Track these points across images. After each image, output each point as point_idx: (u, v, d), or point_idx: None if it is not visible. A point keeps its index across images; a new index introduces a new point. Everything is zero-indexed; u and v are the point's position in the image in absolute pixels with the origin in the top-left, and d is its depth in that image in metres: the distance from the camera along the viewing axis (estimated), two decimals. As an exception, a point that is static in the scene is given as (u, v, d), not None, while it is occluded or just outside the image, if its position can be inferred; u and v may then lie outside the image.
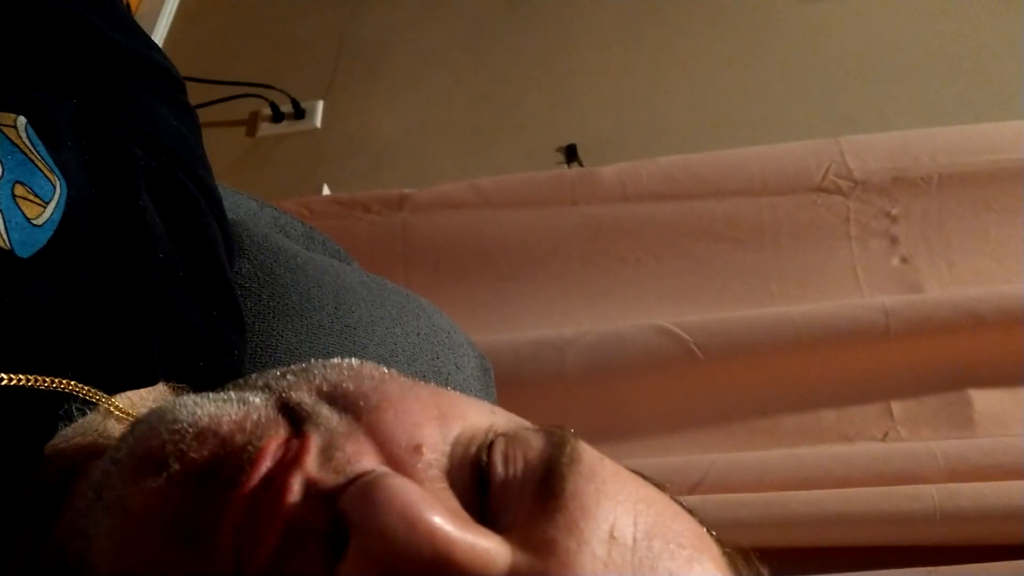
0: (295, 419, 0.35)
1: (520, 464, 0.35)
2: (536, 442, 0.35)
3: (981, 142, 1.14)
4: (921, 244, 1.11)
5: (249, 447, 0.33)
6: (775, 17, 1.74)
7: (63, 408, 0.41)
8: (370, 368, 0.38)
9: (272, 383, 0.37)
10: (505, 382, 0.96)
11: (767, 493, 0.91)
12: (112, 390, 0.44)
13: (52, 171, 0.44)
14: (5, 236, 0.40)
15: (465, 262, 1.19)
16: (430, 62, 1.89)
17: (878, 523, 0.87)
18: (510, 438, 0.36)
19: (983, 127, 1.17)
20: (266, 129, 1.87)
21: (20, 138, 0.44)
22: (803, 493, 0.90)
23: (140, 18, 2.04)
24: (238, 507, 0.31)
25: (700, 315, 1.08)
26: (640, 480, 0.37)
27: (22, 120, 0.45)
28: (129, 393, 0.46)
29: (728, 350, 1.03)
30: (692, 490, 0.94)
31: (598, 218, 1.18)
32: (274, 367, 0.49)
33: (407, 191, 1.23)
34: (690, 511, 0.39)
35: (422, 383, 0.39)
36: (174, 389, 0.50)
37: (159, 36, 2.05)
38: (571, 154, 1.64)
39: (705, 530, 0.38)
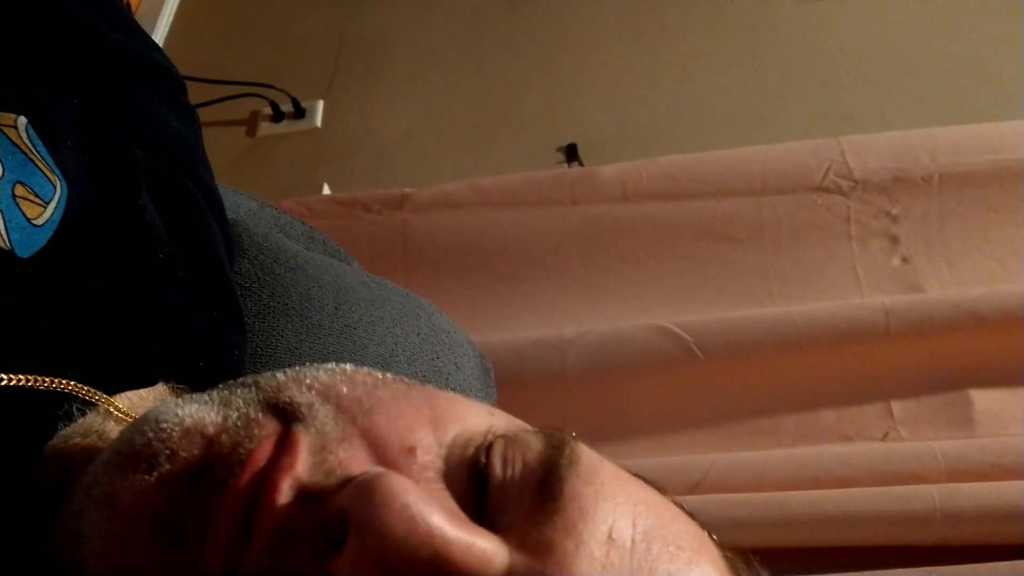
0: (285, 419, 0.35)
1: (519, 466, 0.34)
2: (535, 444, 0.35)
3: (981, 142, 1.14)
4: (921, 244, 1.11)
5: (239, 448, 0.33)
6: (775, 17, 1.74)
7: (63, 408, 0.41)
8: (363, 373, 0.38)
9: (262, 382, 0.37)
10: (505, 382, 0.96)
11: (767, 493, 0.91)
12: (112, 390, 0.44)
13: (52, 171, 0.44)
14: (5, 236, 0.40)
15: (465, 262, 1.19)
16: (430, 62, 1.89)
17: (878, 523, 0.87)
18: (509, 440, 0.36)
19: (983, 127, 1.17)
20: (266, 128, 1.87)
21: (20, 138, 0.44)
22: (803, 493, 0.90)
23: (140, 17, 2.04)
24: (228, 510, 0.31)
25: (700, 315, 1.08)
26: (640, 482, 0.37)
27: (22, 120, 0.45)
28: (129, 393, 0.46)
29: (728, 350, 1.03)
30: (692, 490, 0.94)
31: (598, 218, 1.18)
32: (274, 367, 0.48)
33: (407, 191, 1.23)
34: (690, 514, 0.38)
35: (419, 386, 0.39)
36: (174, 389, 0.50)
37: (159, 35, 2.05)
38: (571, 154, 1.64)
39: (705, 533, 0.38)
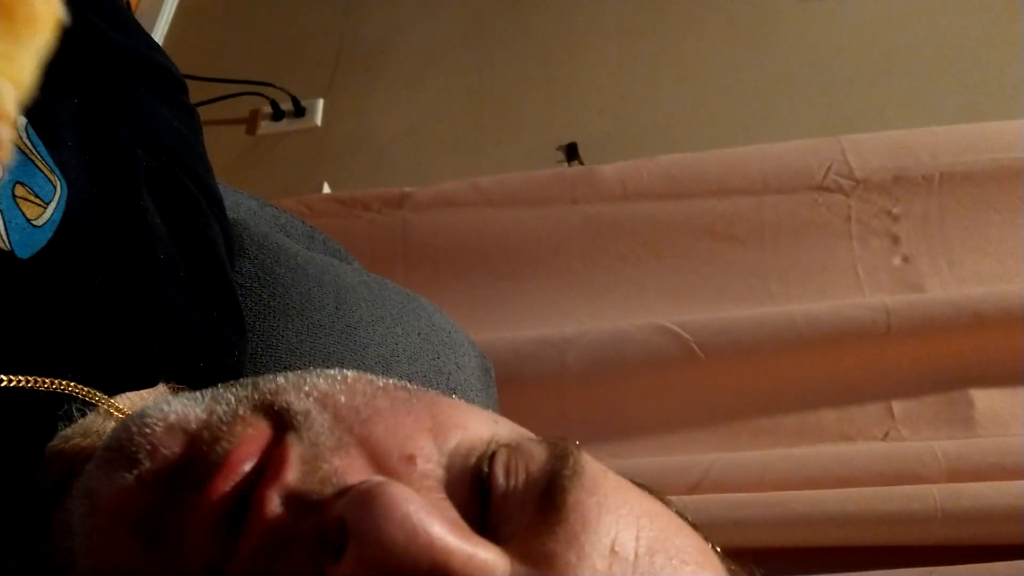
0: (280, 423, 0.34)
1: (522, 476, 0.34)
2: (539, 453, 0.35)
3: (982, 141, 1.14)
4: (922, 243, 1.11)
5: (217, 447, 0.32)
6: (776, 16, 1.74)
7: (63, 409, 0.41)
8: (364, 382, 0.37)
9: (260, 383, 0.36)
10: (505, 381, 0.96)
11: (767, 493, 0.91)
12: (112, 391, 0.43)
13: (52, 171, 0.44)
14: (5, 237, 0.40)
15: (465, 261, 1.18)
16: (431, 61, 1.89)
17: (878, 523, 0.87)
18: (512, 449, 0.35)
19: (984, 126, 1.17)
20: (266, 127, 1.86)
21: (20, 138, 0.44)
22: (803, 493, 0.90)
23: (140, 16, 2.04)
24: (203, 512, 0.31)
25: (701, 314, 1.08)
26: (643, 493, 0.37)
27: (22, 120, 0.45)
28: (129, 394, 0.46)
29: (729, 349, 1.03)
30: (692, 489, 0.94)
31: (598, 217, 1.18)
32: (275, 367, 0.48)
33: (407, 189, 1.23)
34: (694, 525, 0.38)
35: (421, 393, 0.38)
36: (174, 390, 0.50)
37: (159, 34, 2.05)
38: (571, 153, 1.64)
39: (709, 545, 0.38)
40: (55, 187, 0.44)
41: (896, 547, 0.88)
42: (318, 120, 1.85)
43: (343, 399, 0.36)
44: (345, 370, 0.38)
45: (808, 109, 1.59)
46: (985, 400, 0.99)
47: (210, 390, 0.36)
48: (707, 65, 1.71)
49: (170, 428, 0.33)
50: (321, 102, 1.87)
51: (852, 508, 0.87)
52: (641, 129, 1.66)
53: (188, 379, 0.50)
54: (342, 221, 1.21)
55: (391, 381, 0.38)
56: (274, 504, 0.31)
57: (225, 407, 0.34)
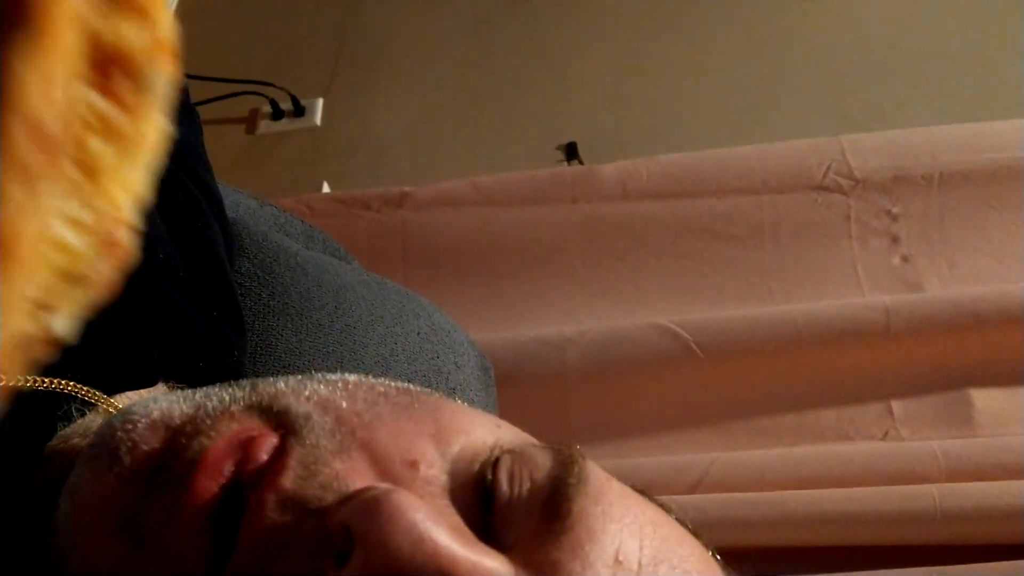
0: (279, 425, 0.34)
1: (526, 483, 0.34)
2: (543, 460, 0.35)
3: (982, 141, 1.14)
4: (922, 243, 1.11)
5: (195, 442, 0.32)
6: (776, 15, 1.74)
7: (62, 409, 0.41)
8: (366, 388, 0.37)
9: (260, 386, 0.36)
10: (505, 381, 0.96)
11: (767, 492, 0.91)
12: (112, 391, 0.43)
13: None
14: (4, 236, 0.40)
15: (465, 260, 1.18)
16: (430, 60, 1.88)
17: (878, 523, 0.87)
18: (516, 455, 0.35)
19: (984, 126, 1.17)
20: (266, 127, 1.86)
21: None
22: (803, 493, 0.90)
23: (140, 15, 2.03)
24: (189, 511, 0.31)
25: (700, 314, 1.08)
26: (646, 501, 0.37)
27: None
28: (129, 394, 0.46)
29: (728, 349, 1.03)
30: (692, 489, 0.94)
31: (598, 216, 1.18)
32: (274, 367, 0.48)
33: (407, 189, 1.23)
34: (695, 533, 0.38)
35: (424, 397, 0.38)
36: (173, 390, 0.50)
37: (159, 33, 2.04)
38: (571, 152, 1.64)
39: (711, 553, 0.38)
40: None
41: (896, 547, 0.88)
42: (318, 120, 1.85)
43: (345, 404, 0.35)
44: (346, 375, 0.38)
45: (808, 109, 1.59)
46: (985, 400, 0.99)
47: (203, 389, 0.36)
48: (707, 64, 1.71)
49: (152, 424, 0.33)
50: (321, 101, 1.87)
51: (852, 508, 0.88)
52: (641, 129, 1.66)
53: (188, 379, 0.50)
54: (342, 220, 1.21)
55: (393, 385, 0.38)
56: (272, 506, 0.31)
57: (216, 403, 0.34)
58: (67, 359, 0.42)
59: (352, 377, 0.38)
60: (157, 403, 0.34)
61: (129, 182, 0.19)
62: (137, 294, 0.47)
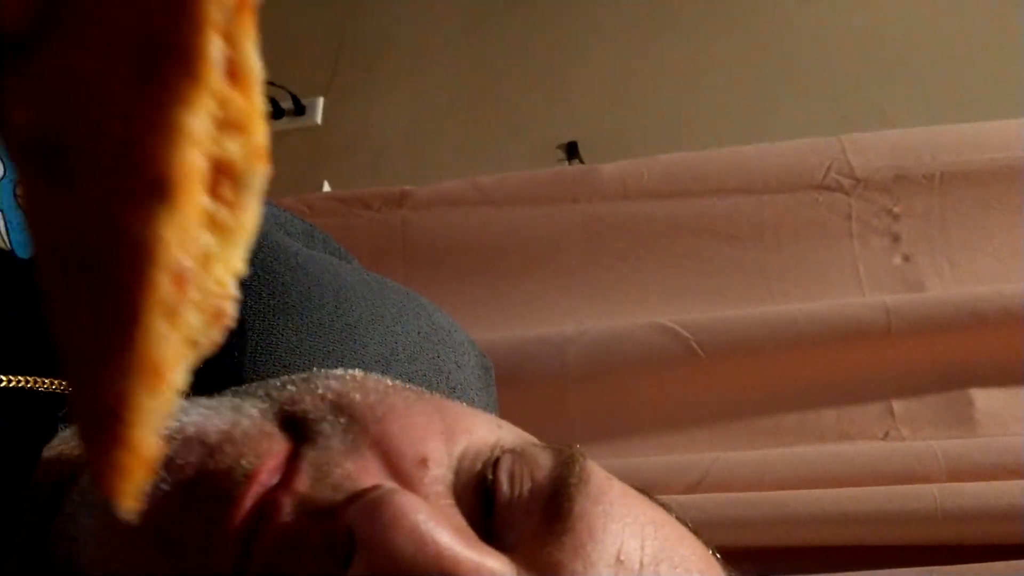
0: (297, 433, 0.34)
1: (527, 483, 0.34)
2: (544, 460, 0.35)
3: (983, 140, 1.14)
4: (923, 242, 1.11)
5: (244, 462, 0.32)
6: (777, 15, 1.74)
7: (62, 410, 0.41)
8: (374, 380, 0.38)
9: (273, 393, 0.36)
10: (505, 380, 0.95)
11: (767, 492, 0.91)
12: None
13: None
14: (6, 237, 0.40)
15: (465, 260, 1.18)
16: (431, 59, 1.88)
17: (879, 522, 0.87)
18: (517, 455, 0.35)
19: (985, 125, 1.16)
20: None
21: None
22: (803, 493, 0.90)
23: (140, 14, 2.03)
24: (233, 527, 0.31)
25: (701, 313, 1.08)
26: (647, 501, 0.37)
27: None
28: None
29: (729, 348, 1.03)
30: (692, 489, 0.94)
31: (599, 216, 1.18)
32: (274, 366, 0.48)
33: (407, 188, 1.22)
34: (695, 533, 0.38)
35: (426, 395, 0.38)
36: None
37: (159, 32, 2.04)
38: (572, 151, 1.64)
39: (711, 552, 0.38)
40: (55, 187, 0.43)
41: (896, 547, 0.88)
42: (318, 118, 1.85)
43: (358, 397, 0.36)
44: (351, 370, 0.38)
45: (808, 108, 1.59)
46: (985, 399, 0.99)
47: (227, 399, 0.36)
48: (707, 64, 1.71)
49: (188, 440, 0.33)
50: (321, 100, 1.87)
51: (852, 508, 0.87)
52: (641, 128, 1.66)
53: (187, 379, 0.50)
54: (342, 220, 1.21)
55: (399, 382, 0.39)
56: (285, 510, 0.31)
57: (248, 421, 0.34)
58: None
59: (358, 372, 0.38)
60: (189, 418, 0.34)
61: (232, 263, 0.21)
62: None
